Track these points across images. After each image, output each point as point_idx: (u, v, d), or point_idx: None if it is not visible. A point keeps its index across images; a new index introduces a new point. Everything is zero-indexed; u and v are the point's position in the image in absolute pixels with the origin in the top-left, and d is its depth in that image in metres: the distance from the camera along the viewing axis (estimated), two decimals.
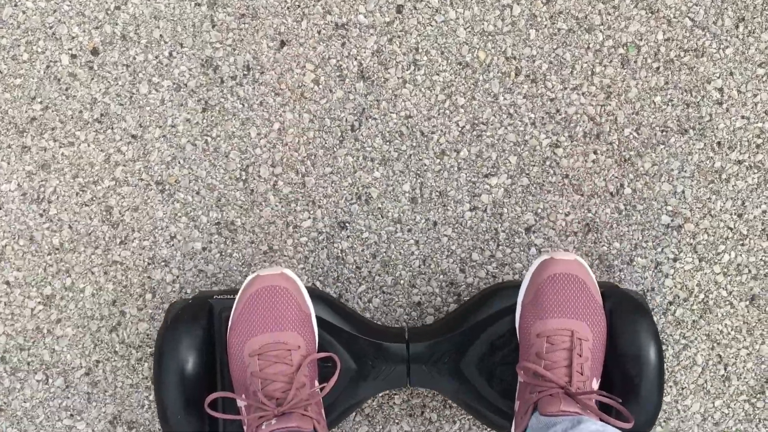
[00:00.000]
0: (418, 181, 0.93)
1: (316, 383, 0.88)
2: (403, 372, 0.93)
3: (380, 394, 1.02)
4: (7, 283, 0.96)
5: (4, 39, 0.92)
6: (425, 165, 0.93)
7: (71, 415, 0.97)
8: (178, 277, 0.97)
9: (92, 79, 0.93)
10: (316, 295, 0.92)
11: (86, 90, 0.93)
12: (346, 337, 0.92)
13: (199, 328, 0.89)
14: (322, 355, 0.87)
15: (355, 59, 0.93)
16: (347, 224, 0.95)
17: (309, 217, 0.94)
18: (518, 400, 0.88)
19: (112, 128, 0.94)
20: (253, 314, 0.87)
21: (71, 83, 0.94)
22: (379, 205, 0.92)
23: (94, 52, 0.90)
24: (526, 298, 0.90)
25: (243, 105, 0.95)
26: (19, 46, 0.93)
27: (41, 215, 0.95)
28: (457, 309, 0.97)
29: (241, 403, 0.87)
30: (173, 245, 0.97)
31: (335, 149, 0.95)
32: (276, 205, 0.96)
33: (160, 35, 0.94)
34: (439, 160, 0.93)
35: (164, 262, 0.96)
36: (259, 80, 0.95)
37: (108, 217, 0.95)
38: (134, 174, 0.95)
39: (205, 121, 0.95)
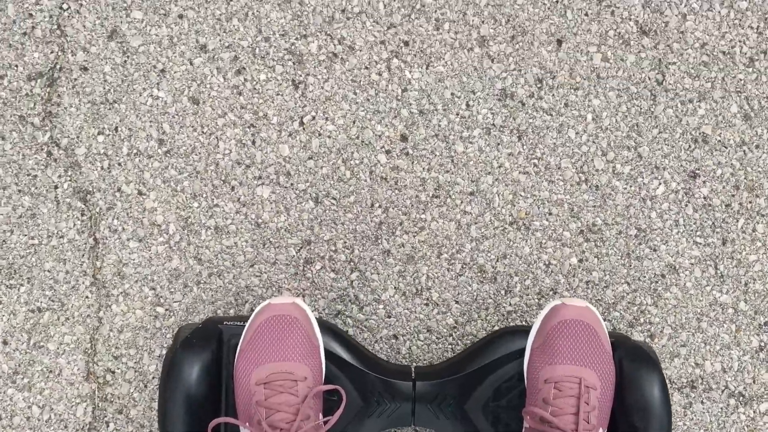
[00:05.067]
0: None
1: (321, 416, 0.88)
2: (409, 410, 0.93)
3: None
4: None
5: (323, 168, 0.98)
6: None
7: None
8: None
9: (413, 162, 0.98)
10: (325, 327, 0.92)
11: (412, 175, 0.99)
12: (353, 371, 0.92)
13: (207, 352, 0.89)
14: (329, 387, 0.87)
15: (630, 20, 0.99)
16: None
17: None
18: None
19: (450, 196, 0.99)
20: (261, 342, 0.87)
21: (397, 176, 0.99)
22: None
23: (403, 138, 0.96)
24: (536, 342, 0.90)
25: (551, 115, 0.99)
26: (339, 168, 0.99)
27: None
28: (465, 350, 0.97)
29: (244, 431, 0.86)
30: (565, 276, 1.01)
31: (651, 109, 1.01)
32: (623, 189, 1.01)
33: (451, 93, 0.99)
34: None
35: (552, 291, 1.01)
36: (553, 85, 1.00)
37: (483, 274, 1.00)
38: (487, 225, 0.99)
39: (525, 146, 1.00)
